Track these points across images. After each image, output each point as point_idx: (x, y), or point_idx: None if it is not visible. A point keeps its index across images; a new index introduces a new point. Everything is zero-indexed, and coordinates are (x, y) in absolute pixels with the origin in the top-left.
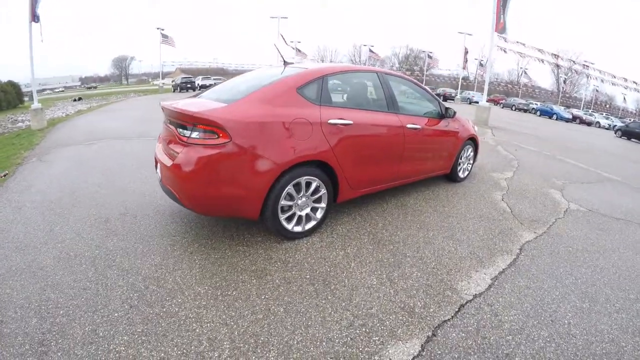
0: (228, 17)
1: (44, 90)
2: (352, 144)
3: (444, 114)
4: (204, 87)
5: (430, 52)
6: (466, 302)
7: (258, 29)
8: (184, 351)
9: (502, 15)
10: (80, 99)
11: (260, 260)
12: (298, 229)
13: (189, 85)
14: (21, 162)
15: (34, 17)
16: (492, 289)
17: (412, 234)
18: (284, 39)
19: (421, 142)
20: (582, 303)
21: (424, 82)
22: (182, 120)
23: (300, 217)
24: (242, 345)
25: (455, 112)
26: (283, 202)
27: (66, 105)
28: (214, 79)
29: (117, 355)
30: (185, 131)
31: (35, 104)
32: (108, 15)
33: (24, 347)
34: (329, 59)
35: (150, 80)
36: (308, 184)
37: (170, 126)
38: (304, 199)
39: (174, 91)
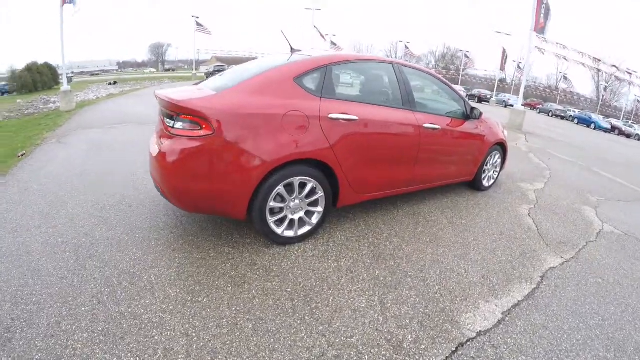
0: (265, 7)
1: (81, 72)
2: (357, 142)
3: (469, 115)
4: None
5: (467, 52)
6: (467, 341)
7: (293, 20)
8: (137, 358)
9: (541, 15)
10: (115, 83)
11: (243, 265)
12: (289, 233)
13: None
14: (40, 143)
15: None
16: (501, 325)
17: (419, 248)
18: (319, 31)
19: (441, 144)
20: (607, 352)
21: (459, 82)
22: (168, 110)
23: (292, 220)
24: None
25: (481, 113)
26: (272, 204)
27: (100, 88)
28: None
29: (72, 352)
30: (170, 121)
31: (65, 86)
32: (148, 2)
33: None
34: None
35: (186, 67)
36: (302, 185)
37: (160, 116)
38: (297, 201)
39: (206, 78)
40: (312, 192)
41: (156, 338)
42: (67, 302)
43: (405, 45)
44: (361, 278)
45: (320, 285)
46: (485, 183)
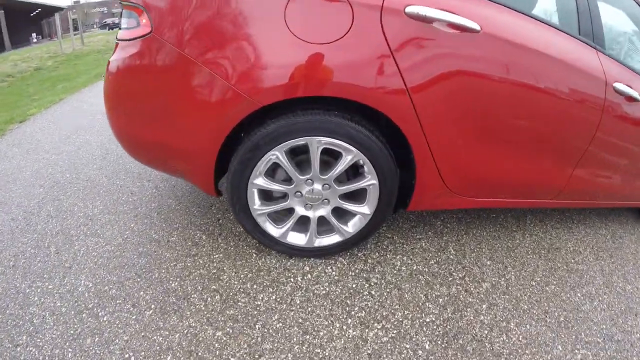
0: None
1: None
2: (471, 83)
3: None
4: None
5: None
6: None
7: None
8: None
9: None
10: None
11: (198, 280)
12: (298, 239)
13: None
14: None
15: None
16: None
17: (539, 336)
18: None
19: (634, 132)
20: None
21: None
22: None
23: (304, 218)
24: None
25: None
26: (261, 181)
27: None
28: None
29: None
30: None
31: None
32: None
33: None
34: None
35: None
36: (330, 156)
37: None
38: (317, 185)
39: None
40: (353, 172)
41: None
42: None
43: None
44: None
45: None
46: None
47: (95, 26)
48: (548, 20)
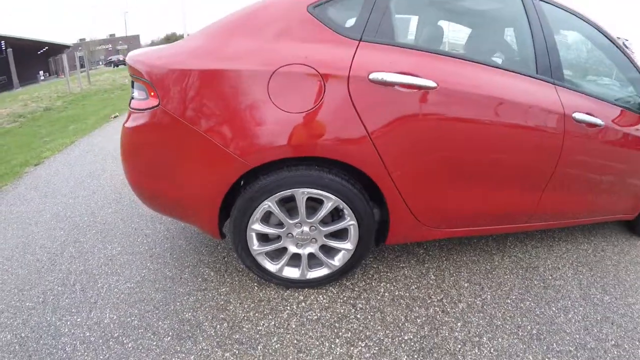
0: None
1: None
2: (432, 132)
3: None
4: None
5: None
6: None
7: None
8: None
9: None
10: None
11: (206, 303)
12: (292, 273)
13: None
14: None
15: None
16: None
17: (510, 343)
18: None
19: (599, 153)
20: None
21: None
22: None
23: (296, 255)
24: None
25: None
26: (257, 226)
27: None
28: None
29: None
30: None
31: None
32: None
33: None
34: None
35: None
36: (316, 202)
37: None
38: (305, 227)
39: None
40: (337, 215)
41: None
42: None
43: None
44: None
45: None
46: None
47: (100, 63)
48: (506, 66)
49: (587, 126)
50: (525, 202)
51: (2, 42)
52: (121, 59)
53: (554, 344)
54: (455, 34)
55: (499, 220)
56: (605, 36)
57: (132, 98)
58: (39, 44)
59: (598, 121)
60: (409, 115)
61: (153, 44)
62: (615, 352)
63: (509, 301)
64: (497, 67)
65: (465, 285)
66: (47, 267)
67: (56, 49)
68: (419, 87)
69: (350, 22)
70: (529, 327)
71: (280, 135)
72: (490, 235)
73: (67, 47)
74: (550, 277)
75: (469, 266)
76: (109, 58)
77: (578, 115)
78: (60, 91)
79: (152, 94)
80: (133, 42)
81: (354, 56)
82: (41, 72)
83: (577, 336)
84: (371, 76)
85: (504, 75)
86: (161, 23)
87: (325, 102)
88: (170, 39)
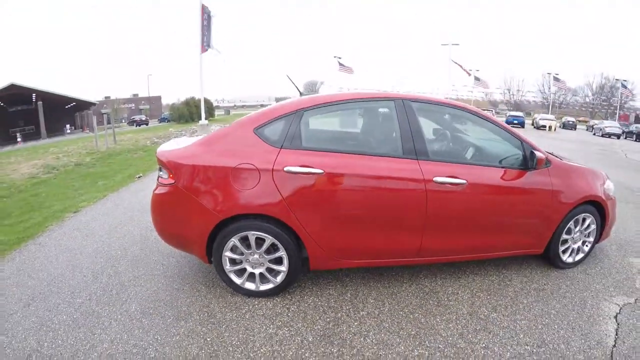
0: (404, 43)
1: (243, 106)
2: (324, 199)
3: (527, 164)
4: None
5: (625, 81)
6: None
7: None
8: None
9: None
10: None
11: (195, 301)
12: (251, 286)
13: None
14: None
15: (204, 48)
16: None
17: (387, 341)
18: (460, 66)
19: (469, 204)
20: None
21: (612, 117)
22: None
23: (253, 274)
24: None
25: (549, 162)
26: (229, 254)
27: None
28: None
29: None
30: (159, 172)
31: (203, 120)
32: (301, 41)
33: None
34: (515, 89)
35: None
36: (260, 240)
37: None
38: (256, 256)
39: None
40: (274, 249)
41: None
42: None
43: (555, 77)
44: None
45: (231, 351)
46: (566, 258)
47: (123, 121)
48: (379, 153)
49: (450, 185)
50: (410, 242)
51: (34, 94)
52: (143, 119)
53: (426, 341)
54: (342, 135)
55: (391, 255)
56: (476, 114)
57: (160, 176)
58: (67, 99)
59: (460, 181)
60: (308, 189)
61: (174, 106)
62: (482, 352)
63: (401, 313)
64: (371, 155)
65: (372, 301)
66: (91, 281)
67: (83, 105)
68: (312, 173)
69: (276, 137)
70: (409, 329)
71: (238, 201)
72: (406, 270)
73: (93, 104)
74: (445, 299)
75: (379, 289)
76: (132, 117)
77: (438, 179)
78: (88, 148)
79: (171, 175)
80: (155, 102)
81: (276, 158)
82: (68, 126)
83: (450, 339)
84: (285, 169)
85: (374, 159)
86: (181, 85)
87: (260, 183)
88: (189, 103)
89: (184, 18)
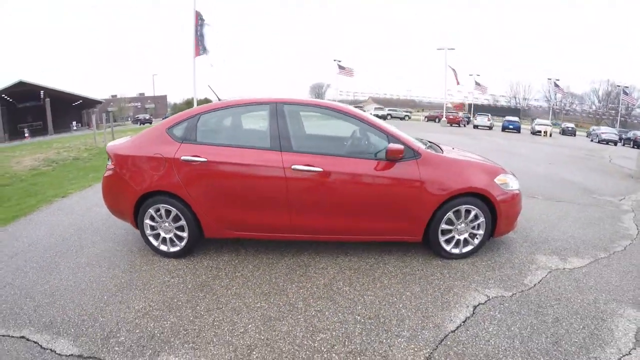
0: (404, 43)
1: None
2: (209, 181)
3: (390, 155)
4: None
5: (627, 87)
6: None
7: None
8: None
9: None
10: None
11: (123, 259)
12: (164, 248)
13: None
14: None
15: (199, 52)
16: None
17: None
18: (454, 72)
19: (328, 189)
20: None
21: (619, 124)
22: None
23: (165, 238)
24: None
25: (418, 154)
26: (148, 221)
27: None
28: (389, 110)
29: None
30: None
31: None
32: (301, 41)
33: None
34: (521, 95)
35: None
36: (168, 211)
37: None
38: (166, 224)
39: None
40: (178, 218)
41: None
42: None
43: (555, 83)
44: (130, 307)
45: (134, 287)
46: (450, 248)
47: (129, 119)
48: (250, 145)
49: (307, 172)
50: (280, 219)
51: (42, 91)
52: (147, 117)
53: (272, 299)
54: (229, 132)
55: (269, 229)
56: (344, 112)
57: (108, 163)
58: (74, 97)
59: (315, 169)
60: (196, 173)
61: (175, 105)
62: (314, 313)
63: (267, 277)
64: (246, 147)
65: (250, 267)
66: (60, 243)
67: (89, 103)
68: (200, 162)
69: (180, 135)
70: (265, 289)
71: (152, 181)
72: (294, 244)
73: (99, 102)
74: (312, 272)
75: (262, 259)
76: (137, 116)
77: (296, 166)
78: (87, 144)
79: (112, 163)
80: (161, 101)
81: (177, 149)
82: (74, 123)
83: (293, 299)
84: (182, 158)
85: (244, 150)
86: (188, 85)
87: (166, 168)
88: (190, 103)
89: (184, 18)
